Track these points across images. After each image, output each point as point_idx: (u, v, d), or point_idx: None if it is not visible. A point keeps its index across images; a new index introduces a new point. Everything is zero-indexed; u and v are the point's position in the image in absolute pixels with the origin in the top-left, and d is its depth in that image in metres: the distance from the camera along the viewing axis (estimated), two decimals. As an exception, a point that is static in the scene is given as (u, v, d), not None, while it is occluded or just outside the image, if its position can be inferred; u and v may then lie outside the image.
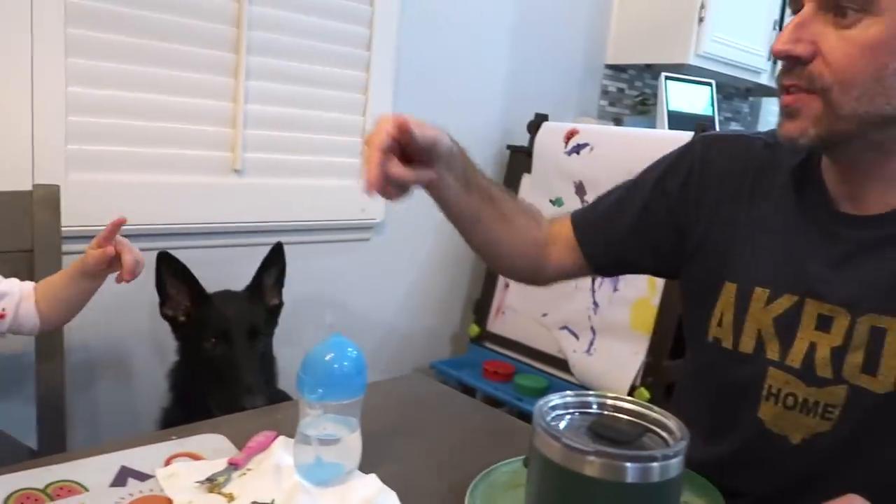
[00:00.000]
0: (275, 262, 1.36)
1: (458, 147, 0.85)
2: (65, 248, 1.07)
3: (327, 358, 0.75)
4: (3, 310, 0.93)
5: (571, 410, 0.63)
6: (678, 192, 0.89)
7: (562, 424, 0.61)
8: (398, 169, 0.74)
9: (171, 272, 1.25)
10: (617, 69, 2.44)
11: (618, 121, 2.44)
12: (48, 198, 1.06)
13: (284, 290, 1.38)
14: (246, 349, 1.24)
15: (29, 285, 0.96)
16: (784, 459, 0.78)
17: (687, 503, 0.69)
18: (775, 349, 0.78)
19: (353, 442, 0.78)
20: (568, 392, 0.64)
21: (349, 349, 0.77)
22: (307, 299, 1.52)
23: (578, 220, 0.96)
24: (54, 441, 1.06)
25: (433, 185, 0.83)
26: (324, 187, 1.69)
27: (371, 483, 0.76)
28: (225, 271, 1.37)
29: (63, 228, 1.10)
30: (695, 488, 0.73)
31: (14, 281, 0.95)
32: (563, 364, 1.84)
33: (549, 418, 0.60)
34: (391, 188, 0.76)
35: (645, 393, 1.63)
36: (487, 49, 2.01)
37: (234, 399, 1.18)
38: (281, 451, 0.80)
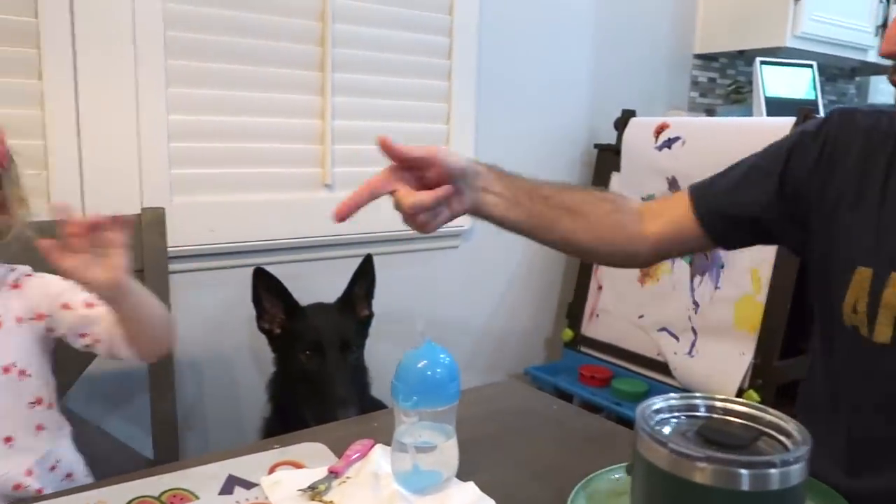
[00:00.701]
0: (365, 273, 1.38)
1: (481, 164, 0.83)
2: (171, 267, 1.13)
3: (420, 365, 0.75)
4: (98, 336, 0.92)
5: (677, 414, 0.60)
6: (812, 164, 0.82)
7: (667, 429, 0.58)
8: (415, 196, 0.75)
9: (266, 287, 1.30)
10: (707, 58, 2.34)
11: (710, 112, 2.33)
12: (155, 220, 1.12)
13: (375, 300, 1.40)
14: (338, 361, 1.27)
15: None
16: None
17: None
18: None
19: (449, 449, 0.77)
20: (672, 394, 0.61)
21: (441, 356, 0.76)
22: (398, 308, 1.54)
23: (699, 191, 0.90)
24: (168, 450, 1.12)
25: (477, 208, 0.82)
26: (411, 197, 1.70)
27: (470, 491, 0.75)
28: (317, 283, 1.40)
29: (168, 249, 1.15)
30: (815, 496, 0.67)
31: (105, 309, 0.91)
32: (662, 367, 1.77)
33: (652, 422, 0.57)
34: (420, 217, 0.77)
35: (754, 395, 1.54)
36: (569, 47, 1.98)
37: (327, 410, 1.20)
38: (379, 459, 0.80)
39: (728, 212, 0.88)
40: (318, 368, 1.26)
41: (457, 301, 1.86)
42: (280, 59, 1.47)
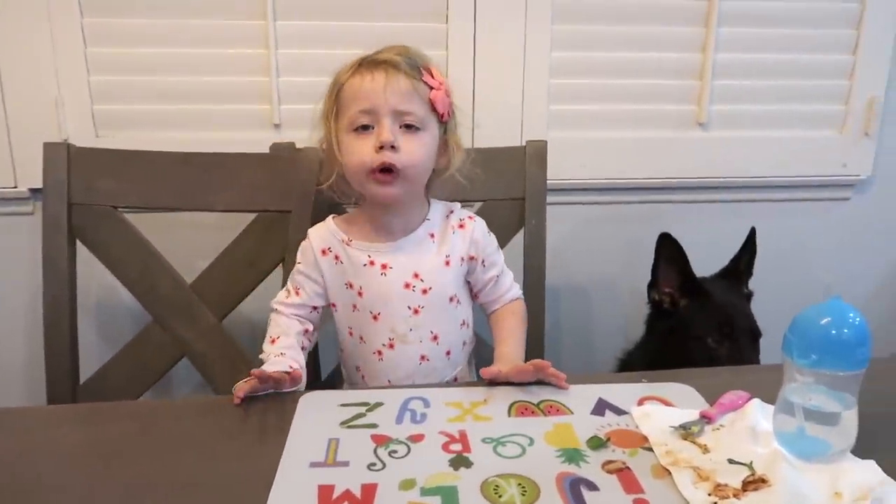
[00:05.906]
0: (750, 246, 1.24)
1: None
2: (548, 199, 1.19)
3: (824, 322, 0.67)
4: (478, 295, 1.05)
5: None
6: None
7: None
8: None
9: (668, 256, 1.20)
10: None
11: None
12: (537, 152, 1.18)
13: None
14: (751, 352, 1.16)
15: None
16: None
17: None
18: None
19: (847, 420, 0.69)
20: None
21: (851, 315, 0.67)
22: (777, 260, 1.39)
23: None
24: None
25: None
26: (796, 139, 1.52)
27: (870, 470, 0.66)
28: (684, 227, 1.34)
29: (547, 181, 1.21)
30: None
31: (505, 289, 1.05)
32: None
33: None
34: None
35: None
36: None
37: None
38: (757, 415, 0.76)
39: None
40: (727, 355, 1.13)
41: (838, 261, 1.62)
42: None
